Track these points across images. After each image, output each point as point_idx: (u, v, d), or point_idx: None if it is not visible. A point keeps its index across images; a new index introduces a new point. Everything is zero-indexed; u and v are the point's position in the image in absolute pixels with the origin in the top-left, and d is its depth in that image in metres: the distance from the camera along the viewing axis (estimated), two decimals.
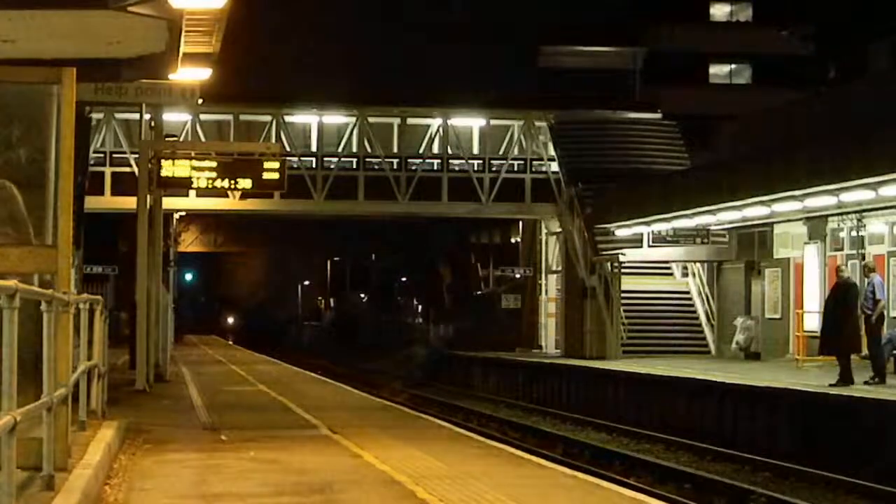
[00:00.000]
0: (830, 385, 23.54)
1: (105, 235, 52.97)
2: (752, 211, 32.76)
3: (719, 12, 66.52)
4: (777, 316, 36.27)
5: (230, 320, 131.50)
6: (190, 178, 27.39)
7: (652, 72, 59.94)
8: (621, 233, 41.30)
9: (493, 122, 48.49)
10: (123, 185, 42.25)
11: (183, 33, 16.53)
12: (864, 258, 31.86)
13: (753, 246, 38.84)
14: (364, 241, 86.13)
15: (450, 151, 47.87)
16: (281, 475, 12.03)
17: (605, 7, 62.53)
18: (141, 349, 25.86)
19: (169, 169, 27.05)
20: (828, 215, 32.82)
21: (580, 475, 13.08)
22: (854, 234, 32.61)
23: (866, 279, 24.58)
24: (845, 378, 23.55)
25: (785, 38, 53.77)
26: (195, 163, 27.27)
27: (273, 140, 42.45)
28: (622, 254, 41.11)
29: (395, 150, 48.05)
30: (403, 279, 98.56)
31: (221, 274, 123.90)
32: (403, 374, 54.19)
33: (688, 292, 44.09)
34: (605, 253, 42.22)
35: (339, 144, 47.69)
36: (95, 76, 20.39)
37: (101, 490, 10.40)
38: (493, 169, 47.61)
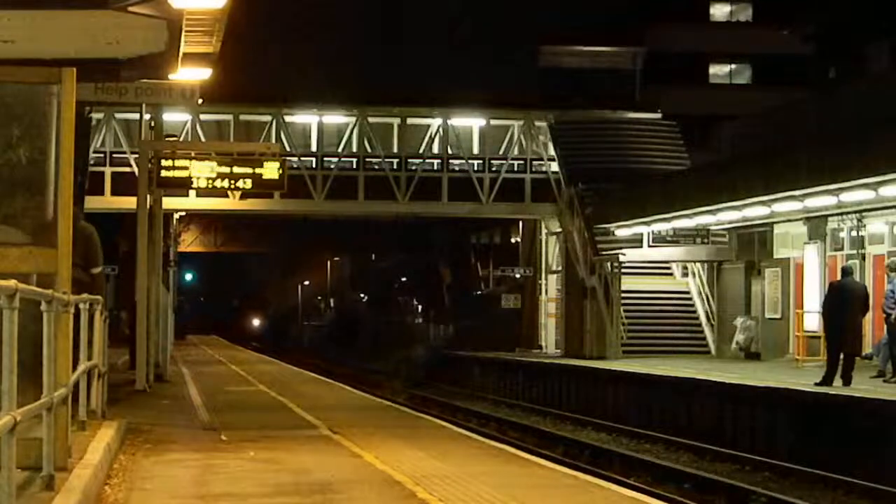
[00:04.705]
0: (816, 384, 23.57)
1: (105, 235, 52.86)
2: (752, 211, 32.76)
3: (719, 12, 66.51)
4: (777, 316, 36.26)
5: (255, 322, 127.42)
6: (190, 178, 27.37)
7: (652, 72, 59.93)
8: (621, 233, 41.30)
9: (493, 122, 48.50)
10: (123, 185, 42.24)
11: (183, 33, 16.51)
12: (863, 258, 31.89)
13: (753, 246, 38.83)
14: (364, 240, 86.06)
15: (450, 151, 47.88)
16: (281, 475, 12.03)
17: (605, 7, 62.49)
18: (141, 349, 25.84)
19: (169, 169, 27.04)
20: (828, 215, 32.81)
21: (580, 475, 13.08)
22: (854, 234, 32.60)
23: (887, 279, 24.56)
24: (828, 378, 23.54)
25: (785, 38, 53.75)
26: (195, 163, 27.26)
27: (273, 140, 42.45)
28: (622, 254, 41.11)
29: (395, 150, 48.07)
30: (403, 279, 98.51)
31: (242, 271, 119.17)
32: (403, 374, 54.18)
33: (688, 292, 44.07)
34: (605, 253, 42.22)
35: (339, 144, 47.70)
36: (95, 76, 20.36)
37: (101, 490, 10.40)
38: (493, 169, 47.62)
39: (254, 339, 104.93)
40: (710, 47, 63.95)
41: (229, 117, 46.89)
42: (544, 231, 50.29)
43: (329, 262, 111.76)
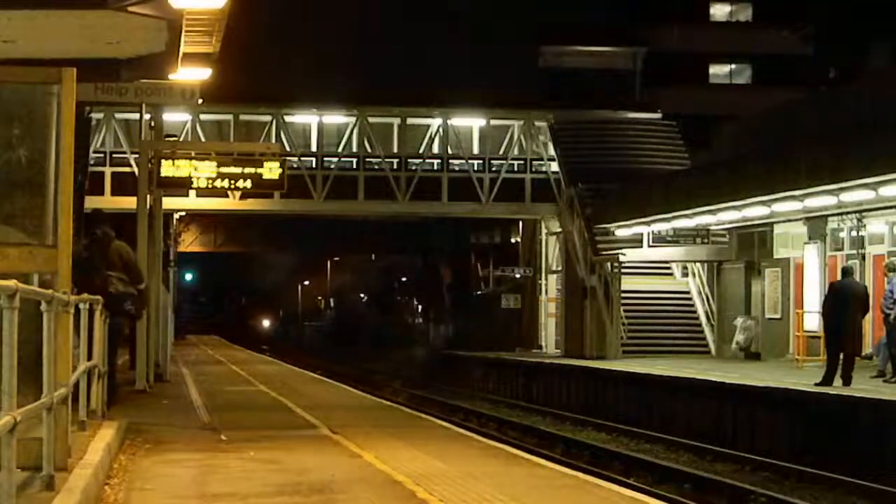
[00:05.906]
0: (816, 384, 23.54)
1: None
2: (752, 211, 32.77)
3: (719, 12, 66.53)
4: (777, 316, 36.27)
5: (265, 324, 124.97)
6: (190, 178, 27.36)
7: (652, 72, 59.94)
8: (621, 233, 41.30)
9: (493, 122, 48.50)
10: (123, 185, 42.23)
11: (183, 33, 16.52)
12: (863, 258, 31.89)
13: (753, 246, 38.84)
14: (364, 240, 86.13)
15: (450, 151, 47.88)
16: (281, 475, 12.02)
17: (605, 7, 62.56)
18: (141, 349, 25.83)
19: (169, 169, 27.02)
20: (828, 215, 32.82)
21: (580, 475, 13.07)
22: (854, 234, 32.61)
23: (886, 279, 24.56)
24: (828, 378, 23.51)
25: (785, 38, 53.79)
26: (195, 163, 27.24)
27: (273, 140, 42.46)
28: (622, 254, 41.12)
29: (395, 150, 48.06)
30: (403, 279, 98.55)
31: (243, 271, 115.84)
32: (403, 374, 54.17)
33: (688, 292, 44.10)
34: (605, 253, 42.22)
35: (339, 144, 47.70)
36: (95, 76, 20.38)
37: (101, 490, 10.39)
38: (493, 169, 47.62)
39: (263, 341, 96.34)
40: (710, 47, 63.97)
41: (229, 117, 46.89)
42: (544, 231, 50.29)
43: (329, 263, 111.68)
